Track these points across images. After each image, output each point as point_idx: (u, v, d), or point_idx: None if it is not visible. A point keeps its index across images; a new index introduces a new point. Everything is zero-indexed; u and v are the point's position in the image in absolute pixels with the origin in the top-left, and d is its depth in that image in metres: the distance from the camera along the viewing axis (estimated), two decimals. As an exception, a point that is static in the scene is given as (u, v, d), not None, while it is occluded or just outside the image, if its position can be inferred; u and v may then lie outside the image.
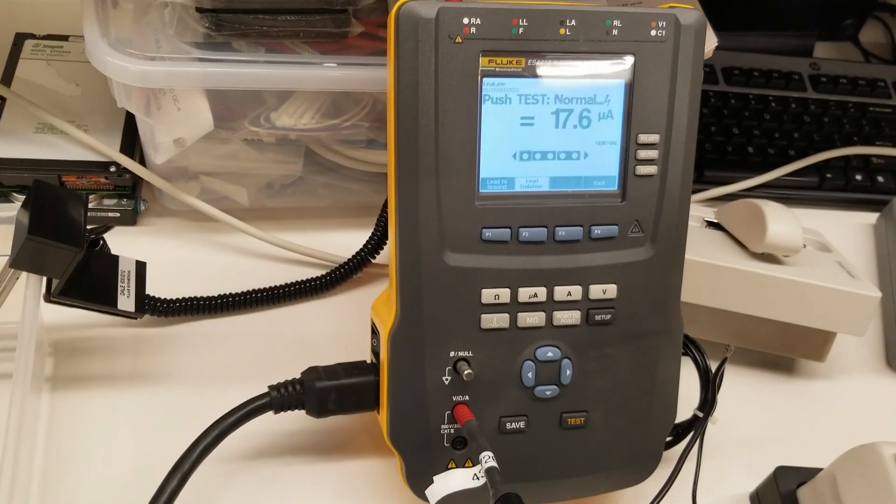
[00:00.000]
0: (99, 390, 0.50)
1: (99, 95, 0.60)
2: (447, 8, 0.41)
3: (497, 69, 0.42)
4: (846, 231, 0.70)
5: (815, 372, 0.59)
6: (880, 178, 0.72)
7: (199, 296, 0.54)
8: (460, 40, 0.41)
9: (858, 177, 0.72)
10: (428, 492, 0.40)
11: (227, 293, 0.55)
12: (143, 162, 0.58)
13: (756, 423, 0.56)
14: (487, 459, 0.40)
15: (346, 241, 0.59)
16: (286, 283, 0.56)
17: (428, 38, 0.41)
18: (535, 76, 0.43)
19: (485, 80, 0.42)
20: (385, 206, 0.55)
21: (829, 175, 0.71)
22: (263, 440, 0.50)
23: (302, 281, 0.56)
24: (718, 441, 0.54)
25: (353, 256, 0.57)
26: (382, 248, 0.57)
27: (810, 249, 0.59)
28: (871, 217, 0.72)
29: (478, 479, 0.40)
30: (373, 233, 0.57)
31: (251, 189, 0.59)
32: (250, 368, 0.53)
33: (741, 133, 0.72)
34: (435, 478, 0.41)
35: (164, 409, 0.50)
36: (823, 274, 0.55)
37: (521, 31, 0.42)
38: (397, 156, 0.42)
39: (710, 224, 0.60)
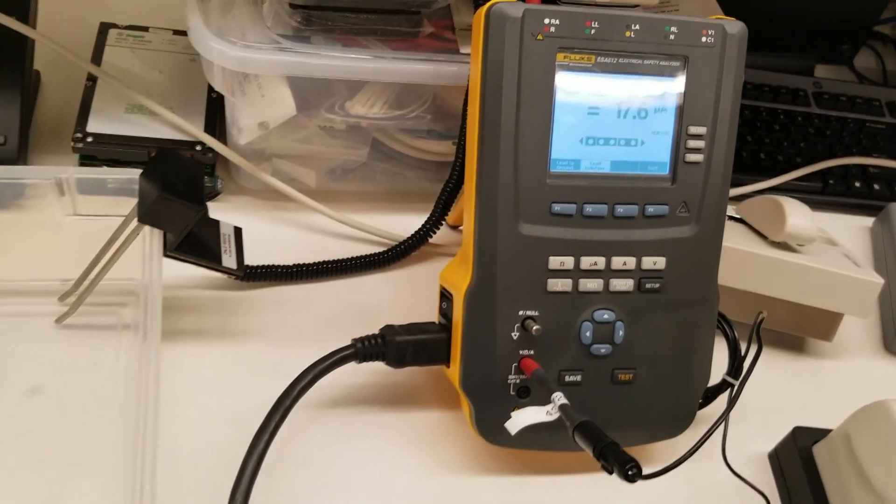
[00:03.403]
0: (189, 344, 0.55)
1: (179, 81, 0.66)
2: (532, 9, 0.47)
3: (570, 64, 0.48)
4: (846, 232, 0.77)
5: (822, 352, 0.66)
6: (876, 186, 0.79)
7: (277, 264, 0.60)
8: (541, 38, 0.47)
9: (857, 184, 0.79)
10: (508, 424, 0.46)
11: (302, 263, 0.60)
12: (223, 143, 0.63)
13: (770, 394, 0.62)
14: (560, 398, 0.46)
15: (398, 223, 0.65)
16: (353, 257, 0.62)
17: (514, 35, 0.47)
18: (603, 72, 0.49)
19: (559, 73, 0.48)
20: (442, 192, 0.61)
21: (831, 181, 0.79)
22: (338, 392, 0.55)
23: (367, 255, 0.62)
24: (736, 408, 0.60)
25: (412, 235, 0.63)
26: (437, 230, 0.63)
27: (820, 243, 0.66)
28: (868, 221, 0.79)
29: (550, 414, 0.45)
30: (430, 215, 0.63)
31: (318, 172, 0.65)
32: (321, 329, 0.58)
33: (754, 141, 0.79)
34: (513, 414, 0.46)
35: (248, 361, 0.56)
36: (833, 262, 0.62)
37: (592, 31, 0.48)
38: (481, 136, 0.48)
39: (731, 218, 0.67)
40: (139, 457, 0.42)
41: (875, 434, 0.51)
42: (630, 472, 0.39)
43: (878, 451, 0.50)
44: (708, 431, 0.53)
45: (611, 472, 0.41)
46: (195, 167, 0.49)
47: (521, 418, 0.46)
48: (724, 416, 0.53)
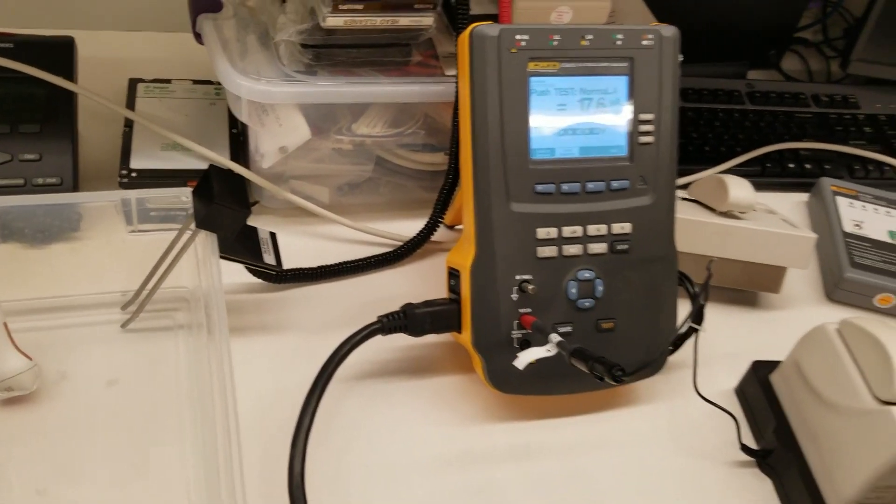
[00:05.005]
0: (233, 338, 0.64)
1: (203, 122, 0.76)
2: (506, 28, 0.58)
3: (540, 70, 0.60)
4: (785, 207, 0.89)
5: (772, 304, 0.77)
6: (808, 166, 0.92)
7: (303, 267, 0.70)
8: (515, 51, 0.59)
9: (791, 165, 0.91)
10: (516, 362, 0.56)
11: (324, 265, 0.70)
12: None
13: (729, 342, 0.72)
14: (555, 337, 0.56)
15: (401, 227, 0.76)
16: (367, 257, 0.72)
17: (493, 50, 0.58)
18: (566, 75, 0.60)
19: (531, 78, 0.59)
20: (439, 195, 0.71)
21: (768, 165, 0.91)
22: (366, 367, 0.65)
23: (379, 254, 0.72)
24: (702, 355, 0.70)
25: (416, 234, 0.73)
26: (437, 229, 0.74)
27: (761, 212, 0.77)
28: (804, 196, 0.91)
29: (549, 351, 0.56)
30: (430, 216, 0.73)
31: (330, 189, 0.76)
32: (346, 319, 0.68)
33: (698, 136, 0.91)
34: (519, 354, 0.56)
35: (285, 350, 0.65)
36: (772, 224, 0.73)
37: (555, 42, 0.59)
38: (474, 134, 0.59)
39: (684, 199, 0.78)
40: (222, 429, 0.50)
41: (818, 354, 0.61)
42: (617, 374, 0.50)
43: (823, 367, 0.61)
44: (684, 321, 0.62)
45: (601, 379, 0.51)
46: (237, 179, 0.59)
47: (527, 356, 0.56)
48: (687, 336, 0.63)
